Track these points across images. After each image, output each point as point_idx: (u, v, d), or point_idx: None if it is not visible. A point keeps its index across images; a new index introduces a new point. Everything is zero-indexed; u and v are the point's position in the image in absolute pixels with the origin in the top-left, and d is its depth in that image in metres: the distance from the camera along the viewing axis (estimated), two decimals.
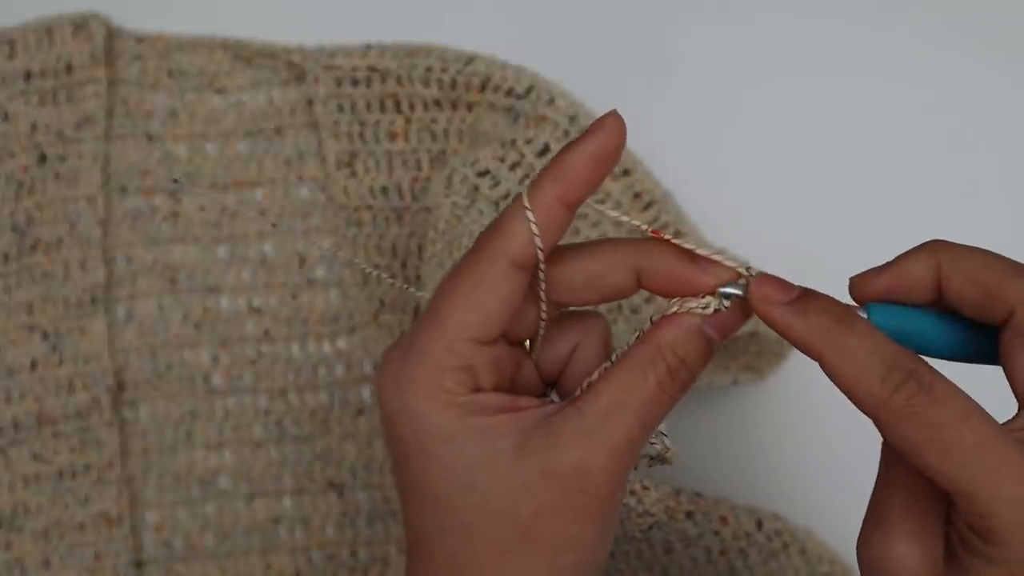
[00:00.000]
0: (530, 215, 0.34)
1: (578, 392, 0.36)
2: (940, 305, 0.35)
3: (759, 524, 0.51)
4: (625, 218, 0.36)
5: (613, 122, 0.34)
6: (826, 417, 0.56)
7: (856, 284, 0.35)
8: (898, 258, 0.35)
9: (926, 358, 0.33)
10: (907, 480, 0.33)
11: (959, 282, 0.34)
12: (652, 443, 0.38)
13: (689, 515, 0.49)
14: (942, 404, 0.31)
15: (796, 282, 0.37)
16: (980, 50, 0.59)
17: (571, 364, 0.38)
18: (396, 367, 0.35)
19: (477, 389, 0.35)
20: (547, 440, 0.34)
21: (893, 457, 0.33)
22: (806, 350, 0.33)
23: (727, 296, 0.35)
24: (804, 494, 0.55)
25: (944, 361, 0.35)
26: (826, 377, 0.39)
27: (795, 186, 0.58)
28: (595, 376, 0.36)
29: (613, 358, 0.36)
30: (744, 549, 0.51)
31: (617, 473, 0.34)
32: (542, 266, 0.35)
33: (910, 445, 0.31)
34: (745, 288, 0.34)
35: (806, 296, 0.34)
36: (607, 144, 0.34)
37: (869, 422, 0.35)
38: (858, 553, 0.33)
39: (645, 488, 0.47)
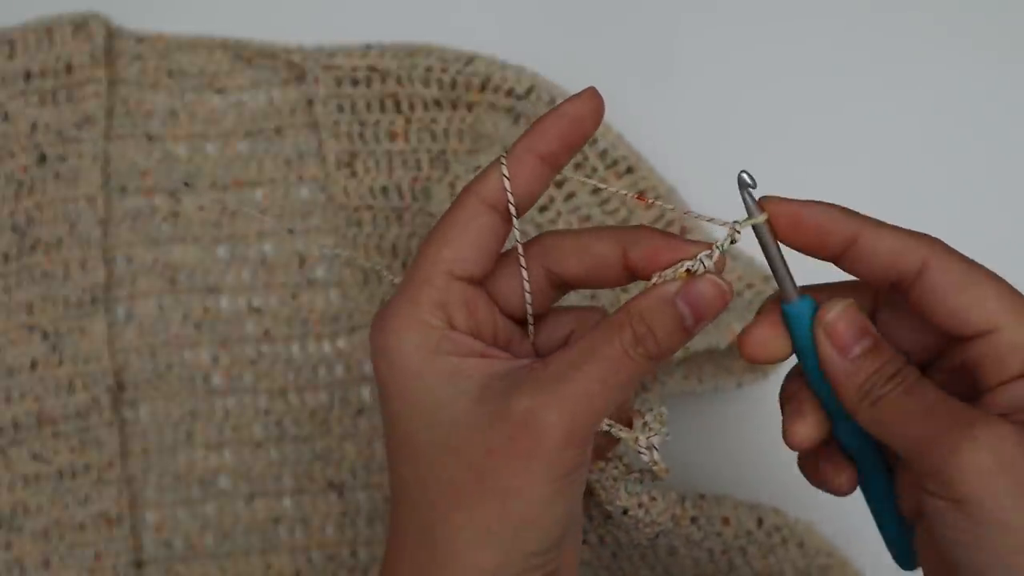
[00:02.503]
0: (503, 161, 0.37)
1: None
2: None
3: (760, 522, 0.51)
4: (603, 186, 0.39)
5: (588, 92, 0.37)
6: None
7: (772, 203, 0.37)
8: (821, 204, 0.37)
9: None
10: None
11: (870, 248, 0.36)
12: (642, 453, 0.39)
13: (693, 520, 0.50)
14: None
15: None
16: (980, 50, 0.59)
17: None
18: (382, 309, 0.37)
19: (451, 326, 0.36)
20: (506, 388, 0.35)
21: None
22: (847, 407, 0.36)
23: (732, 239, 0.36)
24: (804, 488, 0.56)
25: None
26: (782, 403, 0.40)
27: (795, 186, 0.58)
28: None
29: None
30: (744, 547, 0.51)
31: (571, 429, 0.34)
32: (513, 210, 0.37)
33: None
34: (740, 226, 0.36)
35: (871, 355, 0.36)
36: (581, 108, 0.37)
37: None
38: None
39: (653, 499, 0.47)
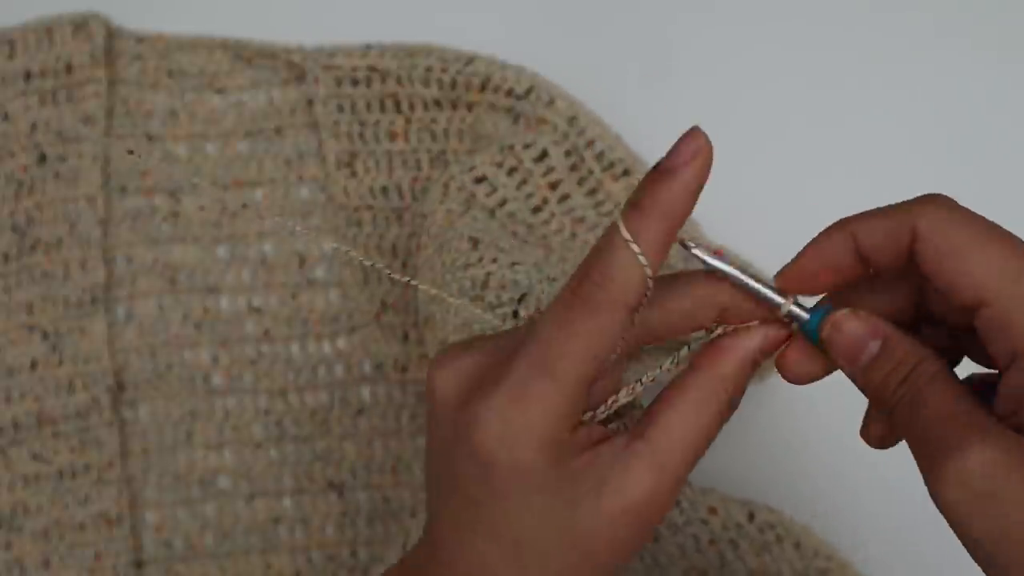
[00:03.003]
0: (640, 257, 0.33)
1: (602, 410, 0.36)
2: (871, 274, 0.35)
3: (751, 516, 0.51)
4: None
5: (707, 147, 0.33)
6: (827, 414, 0.56)
7: (781, 278, 0.35)
8: (810, 242, 0.35)
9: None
10: None
11: (878, 242, 0.33)
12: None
13: (675, 502, 0.49)
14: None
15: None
16: (979, 50, 0.59)
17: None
18: (505, 413, 0.34)
19: (574, 430, 0.35)
20: (624, 477, 0.34)
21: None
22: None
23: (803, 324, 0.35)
24: (803, 489, 0.55)
25: None
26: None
27: (795, 186, 0.58)
28: (622, 395, 0.36)
29: (644, 379, 0.36)
30: (735, 540, 0.51)
31: (672, 503, 0.35)
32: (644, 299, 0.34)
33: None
34: (815, 326, 0.35)
35: (884, 355, 0.34)
36: (704, 172, 0.33)
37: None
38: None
39: None
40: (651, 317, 0.35)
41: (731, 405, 0.36)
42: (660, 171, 0.33)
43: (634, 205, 0.33)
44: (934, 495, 0.31)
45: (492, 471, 0.34)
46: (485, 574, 0.36)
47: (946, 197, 0.33)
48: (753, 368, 0.36)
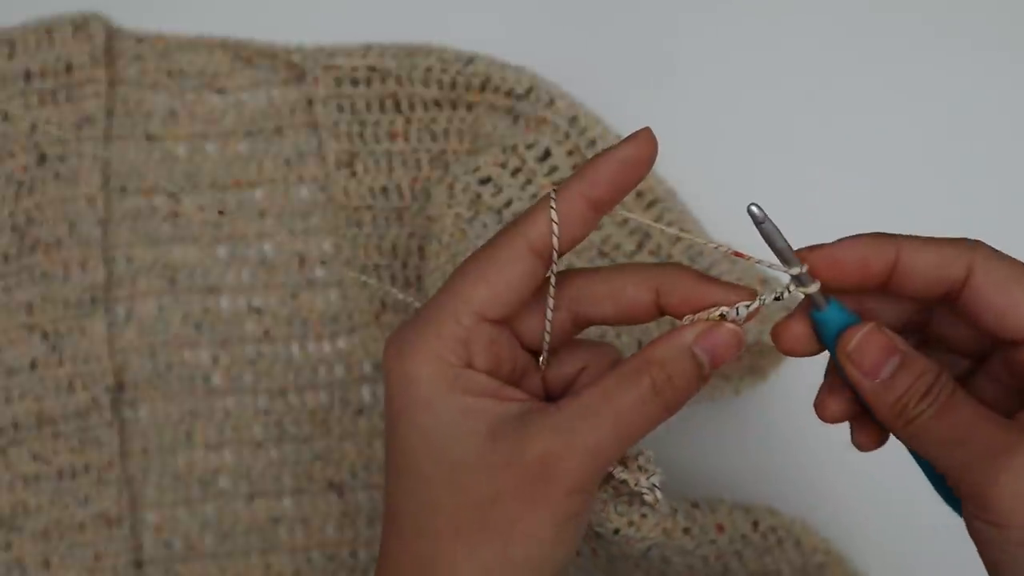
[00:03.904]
0: (553, 205, 0.35)
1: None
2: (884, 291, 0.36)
3: (755, 525, 0.51)
4: (707, 242, 0.37)
5: (644, 134, 0.36)
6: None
7: (812, 252, 0.36)
8: (851, 236, 0.36)
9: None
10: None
11: (914, 266, 0.35)
12: (645, 493, 0.39)
13: (686, 531, 0.49)
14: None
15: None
16: (980, 51, 0.59)
17: (576, 385, 0.38)
18: (401, 332, 0.36)
19: (469, 365, 0.36)
20: (519, 430, 0.35)
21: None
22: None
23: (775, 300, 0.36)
24: (802, 490, 0.55)
25: None
26: (824, 375, 0.40)
27: (795, 186, 0.58)
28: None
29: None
30: (740, 551, 0.51)
31: (580, 474, 0.34)
32: (555, 263, 0.36)
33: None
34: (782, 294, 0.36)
35: (900, 375, 0.35)
36: (635, 152, 0.36)
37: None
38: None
39: (643, 516, 0.47)
40: (578, 285, 0.37)
41: (658, 391, 0.35)
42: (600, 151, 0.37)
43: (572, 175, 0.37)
44: (978, 496, 0.32)
45: (390, 389, 0.36)
46: (392, 508, 0.37)
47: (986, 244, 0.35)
48: (696, 367, 0.36)
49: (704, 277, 0.36)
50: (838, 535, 0.54)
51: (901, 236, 0.35)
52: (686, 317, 0.36)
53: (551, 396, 0.39)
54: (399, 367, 0.36)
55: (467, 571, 0.35)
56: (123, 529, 0.56)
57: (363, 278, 0.49)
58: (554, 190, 0.36)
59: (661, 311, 0.37)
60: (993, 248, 0.35)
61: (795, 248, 0.36)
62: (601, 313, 0.37)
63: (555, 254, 0.36)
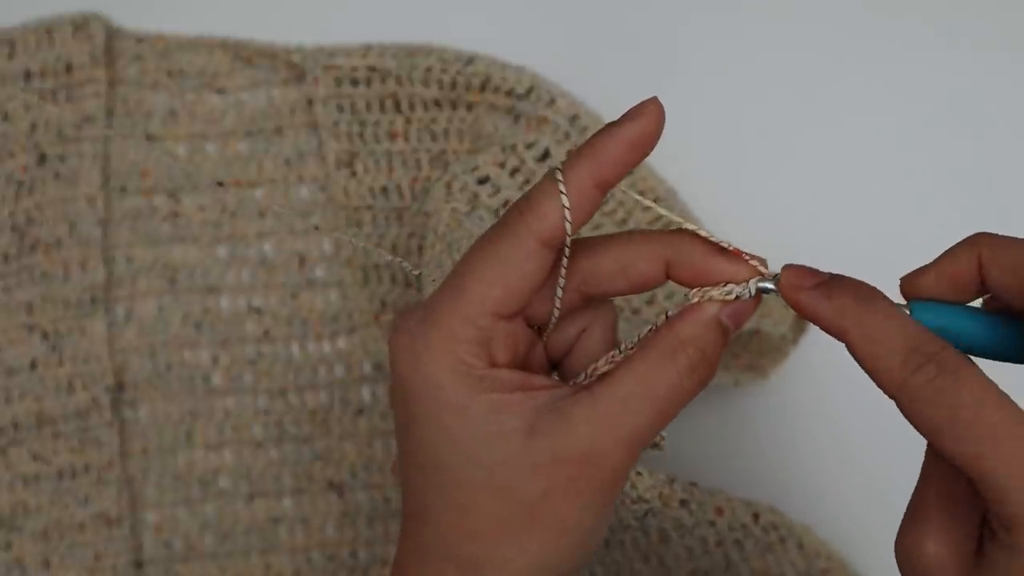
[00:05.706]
0: (563, 192, 0.34)
1: (583, 377, 0.36)
2: (990, 300, 0.35)
3: (755, 517, 0.51)
4: (664, 211, 0.36)
5: (653, 107, 0.34)
6: (826, 415, 0.56)
7: (904, 283, 0.35)
8: (942, 254, 0.35)
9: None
10: (944, 477, 0.33)
11: (998, 273, 0.33)
12: (656, 445, 0.39)
13: (683, 503, 0.49)
14: (961, 387, 0.31)
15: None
16: (981, 51, 0.59)
17: (576, 347, 0.38)
18: (413, 332, 0.35)
19: (493, 364, 0.35)
20: (557, 424, 0.34)
21: (933, 454, 0.33)
22: (831, 330, 0.33)
23: (765, 291, 0.35)
24: (803, 489, 0.56)
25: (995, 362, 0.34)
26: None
27: (798, 186, 0.58)
28: (601, 363, 0.36)
29: (621, 348, 0.36)
30: (740, 541, 0.51)
31: (625, 462, 0.34)
32: (567, 248, 0.35)
33: (929, 427, 0.31)
34: (776, 280, 0.35)
35: (832, 279, 0.34)
36: (645, 129, 0.34)
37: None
38: (895, 545, 0.34)
39: (639, 474, 0.47)
40: (587, 265, 0.36)
41: (695, 369, 0.35)
42: (604, 127, 0.35)
43: (572, 152, 0.35)
44: (990, 470, 0.30)
45: (407, 391, 0.35)
46: (419, 505, 0.36)
47: None
48: (723, 335, 0.35)
49: (713, 249, 0.35)
50: (838, 537, 0.54)
51: (982, 238, 0.34)
52: (694, 292, 0.35)
53: (551, 359, 0.38)
54: (417, 372, 0.35)
55: (520, 567, 0.35)
56: (123, 529, 0.56)
57: (352, 239, 0.48)
58: (559, 170, 0.34)
59: (670, 279, 0.36)
60: (992, 234, 0.34)
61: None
62: (611, 289, 0.37)
63: (567, 248, 0.35)
